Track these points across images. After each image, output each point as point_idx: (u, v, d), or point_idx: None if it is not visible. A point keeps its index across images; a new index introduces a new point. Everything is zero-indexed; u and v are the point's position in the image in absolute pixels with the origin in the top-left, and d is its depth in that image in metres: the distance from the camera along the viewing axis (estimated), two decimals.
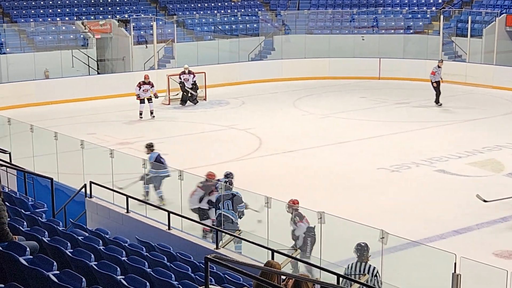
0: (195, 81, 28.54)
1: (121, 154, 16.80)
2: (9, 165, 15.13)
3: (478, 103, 28.19)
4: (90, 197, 14.00)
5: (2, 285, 5.98)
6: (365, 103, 28.53)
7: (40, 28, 33.31)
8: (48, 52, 32.25)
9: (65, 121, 25.03)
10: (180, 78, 28.44)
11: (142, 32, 34.84)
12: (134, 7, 37.33)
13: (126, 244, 10.30)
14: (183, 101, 28.51)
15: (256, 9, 40.47)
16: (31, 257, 7.07)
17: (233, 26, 37.91)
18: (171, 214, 12.40)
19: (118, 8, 36.92)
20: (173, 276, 8.44)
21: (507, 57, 33.47)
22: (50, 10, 35.43)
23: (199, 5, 39.69)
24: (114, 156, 15.43)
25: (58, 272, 6.77)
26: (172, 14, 37.52)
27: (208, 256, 6.29)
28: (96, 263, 7.80)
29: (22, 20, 33.97)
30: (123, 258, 8.74)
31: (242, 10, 39.97)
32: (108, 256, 8.73)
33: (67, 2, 36.25)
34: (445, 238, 14.29)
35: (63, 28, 33.92)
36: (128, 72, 32.58)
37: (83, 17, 35.16)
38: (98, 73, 32.94)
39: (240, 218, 13.66)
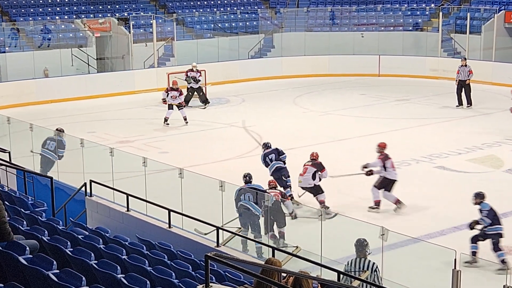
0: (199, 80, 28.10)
1: (121, 152, 16.80)
2: (8, 164, 15.13)
3: (477, 100, 28.14)
4: (90, 195, 14.01)
5: (2, 285, 5.98)
6: (365, 100, 28.53)
7: (39, 27, 33.30)
8: (47, 50, 32.25)
9: (64, 119, 25.00)
10: (187, 75, 28.03)
11: (141, 31, 34.84)
12: (133, 5, 37.31)
13: (127, 243, 10.30)
14: (186, 102, 28.43)
15: (255, 7, 40.45)
16: (31, 256, 7.07)
17: (233, 24, 37.91)
18: (171, 213, 12.41)
19: (117, 6, 36.91)
20: (173, 274, 8.45)
21: (506, 53, 33.46)
22: (49, 9, 35.42)
23: (198, 3, 39.68)
24: (114, 155, 15.44)
25: (58, 271, 6.76)
26: (171, 12, 37.51)
27: (209, 254, 6.29)
28: (96, 262, 7.80)
29: (21, 19, 33.95)
30: (123, 257, 8.74)
31: (242, 8, 39.96)
32: (108, 255, 8.73)
33: (66, 0, 36.22)
34: (445, 234, 14.30)
35: (63, 26, 33.90)
36: (127, 71, 32.60)
37: (83, 16, 35.15)
38: (98, 72, 32.91)
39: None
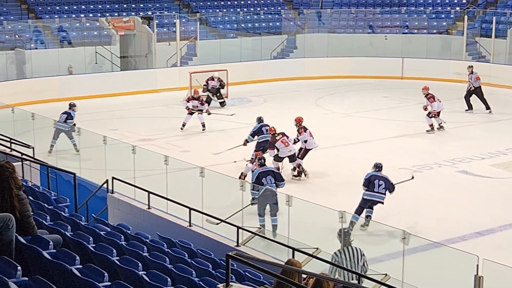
0: (218, 88, 28.17)
1: (143, 150, 16.88)
2: (32, 159, 15.23)
3: (502, 104, 28.00)
4: (112, 192, 14.07)
5: (27, 278, 6.02)
6: (388, 102, 28.44)
7: (64, 25, 33.50)
8: (72, 48, 32.44)
9: (87, 117, 25.12)
10: (207, 83, 28.05)
11: (165, 30, 34.95)
12: (157, 5, 37.44)
13: (148, 240, 10.33)
14: (207, 103, 28.49)
15: (279, 8, 40.47)
16: (55, 251, 7.11)
17: (256, 24, 37.93)
18: (192, 211, 12.44)
19: (141, 5, 37.06)
20: (194, 272, 8.46)
21: None
22: (75, 7, 35.64)
23: (222, 3, 39.75)
24: (136, 152, 15.51)
25: (81, 266, 6.80)
26: (195, 11, 37.60)
27: (230, 253, 6.30)
28: (118, 258, 7.83)
29: (47, 17, 34.18)
30: (144, 254, 8.76)
31: (265, 9, 39.99)
32: (130, 251, 8.76)
33: None
34: (467, 240, 14.22)
35: (87, 24, 34.08)
36: (150, 69, 32.73)
37: (107, 14, 35.33)
38: (121, 70, 33.06)
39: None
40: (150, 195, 13.27)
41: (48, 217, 9.39)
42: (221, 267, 9.69)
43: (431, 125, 23.15)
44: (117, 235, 9.69)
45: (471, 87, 26.96)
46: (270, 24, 38.28)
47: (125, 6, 36.81)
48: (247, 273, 9.34)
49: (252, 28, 37.67)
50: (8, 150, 15.94)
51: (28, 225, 7.48)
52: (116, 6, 36.62)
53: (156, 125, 24.66)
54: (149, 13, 35.56)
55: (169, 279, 7.48)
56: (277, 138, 18.00)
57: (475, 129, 24.04)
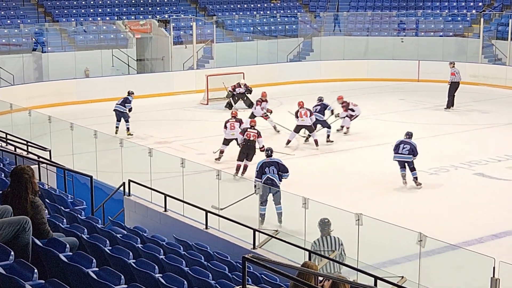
0: (244, 93, 28.37)
1: (159, 153, 16.92)
2: (49, 162, 15.29)
3: None
4: (129, 195, 14.10)
5: (43, 281, 6.05)
6: (404, 105, 28.37)
7: (81, 28, 33.66)
8: (89, 51, 32.58)
9: (104, 119, 25.22)
10: (233, 90, 28.26)
11: (181, 32, 35.03)
12: (174, 8, 37.55)
13: (164, 243, 10.35)
14: (230, 106, 28.59)
15: (295, 11, 40.48)
16: (71, 253, 7.13)
17: (272, 27, 37.98)
18: (208, 214, 12.46)
19: (158, 8, 37.18)
20: (210, 275, 8.47)
21: None
22: (92, 10, 35.80)
23: (238, 6, 39.81)
24: (153, 155, 15.55)
25: (97, 269, 6.82)
26: (211, 14, 37.67)
27: (246, 256, 6.30)
28: (134, 261, 7.84)
29: (64, 20, 34.35)
30: (161, 257, 8.78)
31: (282, 11, 40.02)
32: (146, 254, 8.78)
33: (108, 2, 36.60)
34: (483, 242, 14.17)
35: (104, 27, 34.22)
36: (167, 72, 32.81)
37: (124, 17, 35.47)
38: (138, 73, 33.16)
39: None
40: (167, 197, 13.30)
41: (65, 220, 9.43)
42: (237, 269, 9.70)
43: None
44: (134, 237, 9.71)
45: (452, 80, 27.76)
46: (287, 27, 38.30)
47: (141, 9, 36.95)
48: (263, 276, 9.35)
49: (269, 31, 37.71)
50: (24, 153, 16.02)
51: (42, 232, 7.49)
52: (133, 9, 36.77)
53: (172, 128, 24.72)
54: (166, 16, 35.67)
55: (185, 282, 7.49)
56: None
57: (491, 132, 23.94)
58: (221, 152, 20.17)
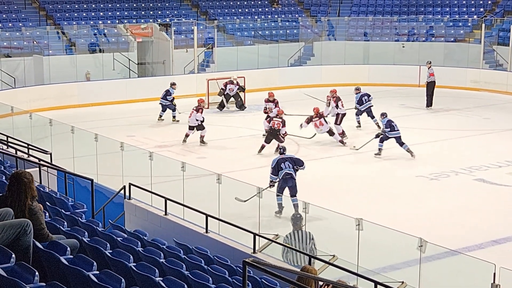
0: (237, 91, 28.52)
1: (160, 156, 16.92)
2: (50, 165, 15.30)
3: None
4: (129, 198, 14.10)
5: (44, 284, 6.06)
6: (405, 110, 28.38)
7: (82, 31, 33.69)
8: (90, 54, 32.62)
9: (105, 123, 25.26)
10: (224, 87, 28.47)
11: (182, 36, 35.07)
12: (175, 12, 37.59)
13: (164, 246, 10.35)
14: (221, 106, 28.65)
15: (296, 15, 40.52)
16: (72, 256, 7.14)
17: (273, 32, 38.01)
18: (208, 218, 12.46)
19: (159, 12, 37.23)
20: (210, 279, 8.48)
21: None
22: (93, 13, 35.85)
23: (239, 10, 39.86)
24: (153, 159, 15.55)
25: (98, 272, 6.82)
26: (212, 19, 37.71)
27: (247, 260, 6.31)
28: (134, 264, 7.85)
29: (65, 23, 34.38)
30: (161, 260, 8.78)
31: (283, 16, 40.06)
32: (146, 257, 8.79)
33: (110, 6, 36.64)
34: (483, 248, 14.17)
35: (105, 31, 34.25)
36: (168, 76, 32.81)
37: (125, 21, 35.50)
38: (139, 76, 33.18)
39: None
40: (167, 201, 13.30)
41: (65, 223, 9.44)
42: (237, 273, 9.70)
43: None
44: (134, 241, 9.72)
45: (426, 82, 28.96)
46: (288, 31, 38.34)
47: (143, 13, 36.99)
48: (263, 280, 9.35)
49: (270, 36, 37.74)
50: (25, 156, 16.03)
51: (41, 237, 7.51)
52: (134, 13, 36.81)
53: (173, 132, 24.73)
54: (167, 20, 35.69)
55: (185, 286, 7.50)
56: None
57: (492, 137, 23.94)
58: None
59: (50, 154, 16.48)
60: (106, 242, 8.55)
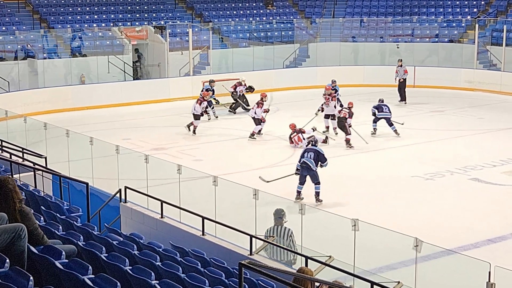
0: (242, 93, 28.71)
1: (155, 159, 16.91)
2: (45, 169, 15.28)
3: None
4: (125, 202, 14.09)
5: None
6: (400, 111, 28.39)
7: (76, 34, 33.67)
8: (85, 57, 32.60)
9: (100, 126, 25.24)
10: (235, 89, 28.65)
11: (177, 39, 35.06)
12: (170, 14, 37.59)
13: (160, 249, 10.34)
14: (233, 109, 28.70)
15: (291, 17, 40.54)
16: (67, 261, 7.13)
17: (268, 34, 38.04)
18: (205, 220, 12.45)
19: (154, 14, 37.22)
20: (207, 281, 8.47)
21: None
22: (87, 16, 35.82)
23: (234, 12, 39.87)
24: (149, 162, 15.54)
25: (93, 276, 6.81)
26: (207, 21, 37.71)
27: (243, 262, 6.32)
28: (130, 267, 7.84)
29: (59, 26, 34.36)
30: (157, 263, 8.77)
31: (278, 18, 40.07)
32: (142, 261, 8.78)
33: (104, 8, 36.62)
34: (479, 247, 14.19)
35: (100, 34, 34.24)
36: (163, 78, 32.83)
37: (120, 24, 35.49)
38: (134, 79, 33.17)
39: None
40: (163, 204, 13.29)
41: (61, 227, 9.43)
42: (234, 276, 9.70)
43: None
44: (130, 244, 9.70)
45: (400, 79, 30.11)
46: (283, 33, 38.36)
47: (137, 15, 36.98)
48: (260, 282, 9.35)
49: (265, 37, 37.76)
50: (20, 160, 16.01)
51: (36, 237, 7.52)
52: (129, 15, 36.79)
53: (168, 134, 24.73)
54: (162, 22, 35.70)
55: None
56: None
57: (486, 137, 23.99)
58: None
59: (45, 158, 16.45)
60: (101, 246, 8.54)
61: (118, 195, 14.24)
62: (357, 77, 34.16)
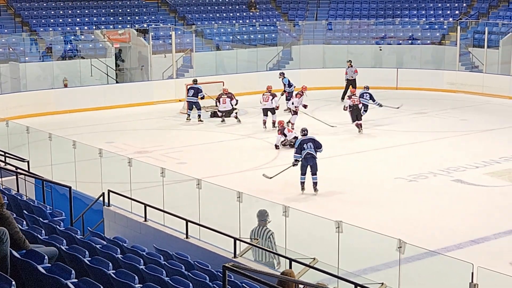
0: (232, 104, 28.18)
1: (139, 162, 16.88)
2: (27, 173, 15.22)
3: (495, 114, 28.12)
4: (108, 205, 14.06)
5: None
6: (383, 112, 28.46)
7: (58, 37, 33.53)
8: (67, 61, 32.47)
9: (83, 129, 25.16)
10: (218, 101, 27.87)
11: (160, 42, 35.01)
12: (153, 17, 37.51)
13: (144, 253, 10.32)
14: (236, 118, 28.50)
15: (274, 19, 40.57)
16: (49, 265, 7.10)
17: (252, 36, 38.04)
18: (188, 223, 12.44)
19: (137, 17, 37.14)
20: (191, 284, 8.46)
21: None
22: (69, 19, 35.68)
23: (217, 15, 39.86)
24: (132, 165, 15.50)
25: (76, 280, 6.79)
26: (191, 23, 37.68)
27: (226, 265, 6.32)
28: (114, 271, 7.82)
29: (41, 29, 34.21)
30: (141, 267, 8.76)
31: (261, 20, 40.09)
32: (126, 264, 8.76)
33: (86, 11, 36.50)
34: (462, 248, 14.25)
35: (82, 37, 34.12)
36: (146, 81, 32.75)
37: (102, 27, 35.37)
38: (117, 82, 33.08)
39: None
40: (147, 207, 13.27)
41: (43, 231, 9.39)
42: (218, 279, 9.69)
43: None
44: (113, 248, 9.68)
45: (350, 78, 31.19)
46: (266, 35, 38.38)
47: (120, 18, 36.88)
48: (244, 284, 9.35)
49: (248, 40, 37.77)
50: (2, 164, 15.93)
51: (18, 241, 7.49)
52: (111, 18, 36.68)
53: (152, 137, 24.68)
54: (145, 25, 35.60)
55: None
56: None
57: (469, 138, 24.10)
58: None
59: (28, 162, 16.39)
60: (85, 250, 8.52)
61: (101, 198, 14.20)
62: (341, 79, 34.13)
